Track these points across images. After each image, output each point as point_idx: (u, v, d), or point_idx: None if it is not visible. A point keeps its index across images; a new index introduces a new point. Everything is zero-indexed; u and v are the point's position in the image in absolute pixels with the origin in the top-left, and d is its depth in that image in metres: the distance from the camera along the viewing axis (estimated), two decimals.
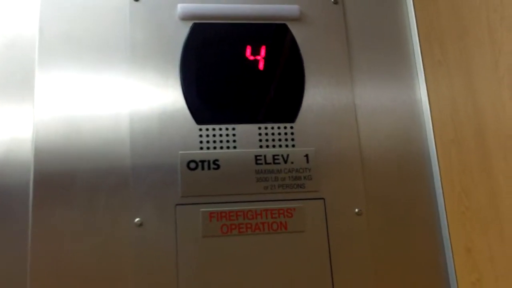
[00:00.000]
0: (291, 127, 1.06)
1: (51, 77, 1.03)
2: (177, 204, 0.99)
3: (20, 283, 0.93)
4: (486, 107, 0.94)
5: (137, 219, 0.97)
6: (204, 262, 0.97)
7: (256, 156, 1.03)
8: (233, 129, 1.04)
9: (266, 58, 1.10)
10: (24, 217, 0.96)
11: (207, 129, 1.04)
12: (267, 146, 1.04)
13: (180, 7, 1.10)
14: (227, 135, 1.04)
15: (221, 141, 1.03)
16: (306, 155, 1.05)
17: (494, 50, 0.91)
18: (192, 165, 1.01)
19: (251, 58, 1.09)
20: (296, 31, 1.13)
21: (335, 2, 1.16)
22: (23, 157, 0.99)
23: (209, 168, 1.01)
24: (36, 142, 0.99)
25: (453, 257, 1.03)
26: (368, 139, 1.08)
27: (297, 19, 1.13)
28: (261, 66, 1.09)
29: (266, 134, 1.05)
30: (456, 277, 1.02)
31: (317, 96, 1.09)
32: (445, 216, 1.05)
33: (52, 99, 1.02)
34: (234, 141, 1.04)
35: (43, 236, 0.95)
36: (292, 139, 1.06)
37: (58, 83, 1.03)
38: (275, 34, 1.12)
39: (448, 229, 1.04)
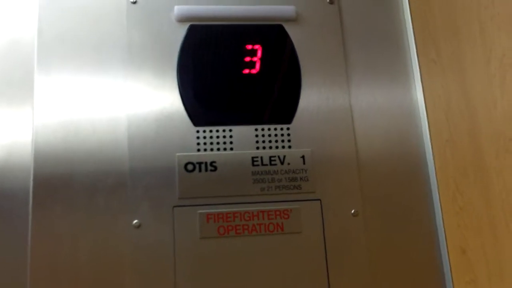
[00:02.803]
0: (288, 128, 1.07)
1: (50, 79, 1.04)
2: (174, 206, 1.00)
3: (20, 284, 0.94)
4: (478, 106, 0.94)
5: (135, 221, 0.98)
6: (201, 263, 0.98)
7: (253, 157, 1.04)
8: (230, 130, 1.05)
9: (262, 59, 1.10)
10: (24, 219, 0.97)
11: (204, 131, 1.04)
12: (264, 148, 1.05)
13: (177, 9, 1.10)
14: (224, 136, 1.05)
15: (218, 143, 1.04)
16: (303, 156, 1.05)
17: (485, 48, 0.92)
18: (190, 167, 1.02)
19: (248, 59, 1.10)
20: (292, 31, 1.13)
21: (331, 2, 1.16)
22: (23, 160, 1.00)
23: (206, 169, 1.02)
24: (36, 145, 1.00)
25: (448, 257, 1.03)
26: (364, 140, 1.09)
27: (293, 20, 1.13)
28: (257, 67, 1.10)
29: (263, 135, 1.06)
30: (452, 277, 1.02)
31: (313, 96, 1.10)
32: (441, 216, 1.05)
33: (51, 102, 1.03)
34: (231, 142, 1.05)
35: (42, 238, 0.96)
36: (289, 140, 1.06)
37: (57, 86, 1.04)
38: (271, 35, 1.13)
39: (444, 229, 1.05)
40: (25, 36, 1.07)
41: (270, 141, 1.06)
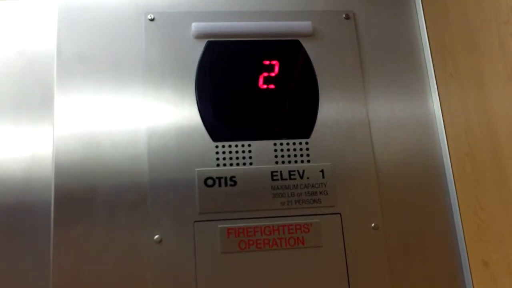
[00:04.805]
0: (306, 143, 1.07)
1: (70, 95, 1.05)
2: (195, 221, 1.00)
3: None
4: (499, 121, 0.94)
5: (156, 236, 0.99)
6: (222, 278, 0.98)
7: (272, 172, 1.05)
8: (249, 145, 1.06)
9: (280, 75, 1.11)
10: (46, 234, 0.98)
11: (223, 146, 1.05)
12: (283, 162, 1.06)
13: (195, 26, 1.11)
14: (243, 151, 1.05)
15: (237, 158, 1.05)
16: (322, 170, 1.06)
17: (505, 62, 0.92)
18: (209, 182, 1.02)
19: (265, 74, 1.11)
20: (309, 47, 1.14)
21: (347, 18, 1.17)
22: (44, 174, 1.01)
23: (226, 184, 1.03)
24: (56, 159, 1.01)
25: (470, 271, 1.03)
26: (382, 153, 1.09)
27: (310, 35, 1.14)
28: (275, 82, 1.10)
29: (282, 150, 1.06)
30: None
31: (331, 111, 1.10)
32: (461, 229, 1.05)
33: (71, 117, 1.04)
34: (250, 157, 1.05)
35: (64, 252, 0.97)
36: (308, 155, 1.07)
37: (77, 101, 1.05)
38: (288, 51, 1.14)
39: (465, 242, 1.04)
40: (44, 54, 1.09)
41: (289, 156, 1.06)
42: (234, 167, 1.04)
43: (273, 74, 1.11)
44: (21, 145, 1.03)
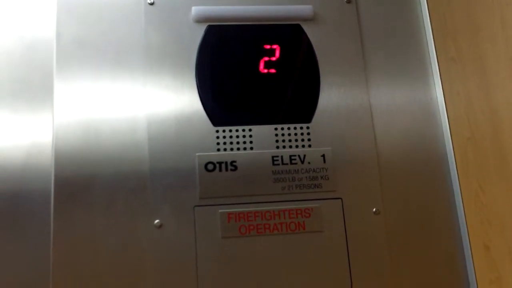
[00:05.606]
0: (307, 127, 1.07)
1: (69, 81, 1.04)
2: (195, 206, 1.00)
3: (43, 286, 0.95)
4: (501, 104, 0.94)
5: (156, 221, 0.98)
6: (223, 263, 0.98)
7: (273, 156, 1.04)
8: (250, 130, 1.05)
9: (281, 59, 1.10)
10: (46, 221, 0.98)
11: (223, 131, 1.04)
12: (284, 147, 1.05)
13: (195, 10, 1.10)
14: (244, 136, 1.05)
15: (238, 143, 1.04)
16: (323, 155, 1.05)
17: (508, 46, 0.91)
18: (210, 166, 1.02)
19: (266, 59, 1.10)
20: (310, 31, 1.13)
21: (348, 2, 1.16)
22: (43, 162, 1.01)
23: (226, 169, 1.02)
24: (56, 146, 1.00)
25: (472, 255, 1.03)
26: (384, 138, 1.09)
27: (311, 19, 1.14)
28: (276, 67, 1.10)
29: (283, 134, 1.06)
30: (476, 275, 1.02)
31: (332, 96, 1.09)
32: (463, 214, 1.05)
33: (70, 104, 1.03)
34: (251, 142, 1.05)
35: (64, 239, 0.96)
36: (309, 139, 1.06)
37: (76, 88, 1.04)
38: (289, 35, 1.13)
39: (467, 227, 1.04)
40: (44, 39, 1.08)
41: (290, 140, 1.06)
42: (235, 151, 1.04)
43: (274, 59, 1.10)
44: (20, 133, 1.02)
